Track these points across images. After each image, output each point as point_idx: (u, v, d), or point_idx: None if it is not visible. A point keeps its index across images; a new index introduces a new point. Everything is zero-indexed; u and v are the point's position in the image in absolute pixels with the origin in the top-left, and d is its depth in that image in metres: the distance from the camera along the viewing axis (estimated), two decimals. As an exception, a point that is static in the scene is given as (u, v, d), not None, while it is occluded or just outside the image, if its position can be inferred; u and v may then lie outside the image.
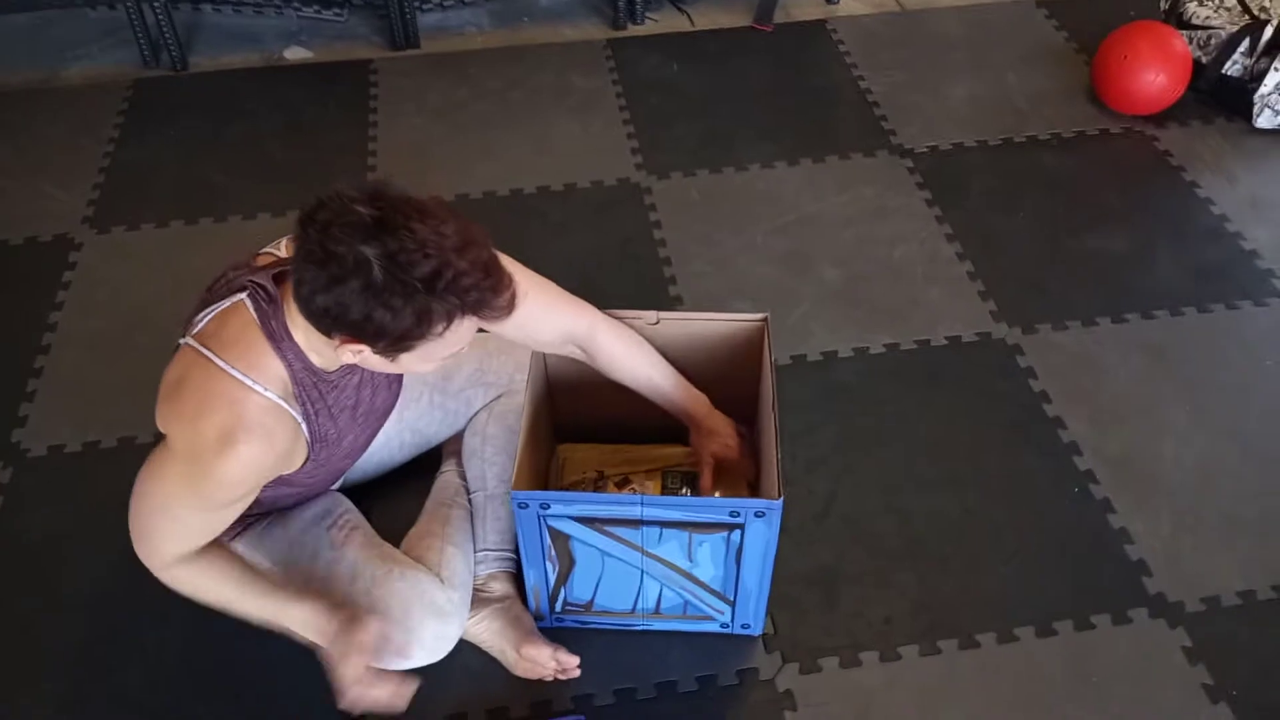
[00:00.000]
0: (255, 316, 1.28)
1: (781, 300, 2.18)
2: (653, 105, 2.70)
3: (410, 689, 1.43)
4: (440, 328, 1.17)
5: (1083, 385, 2.01)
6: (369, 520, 1.63)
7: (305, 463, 1.40)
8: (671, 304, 2.17)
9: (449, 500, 1.69)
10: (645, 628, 1.61)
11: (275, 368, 1.28)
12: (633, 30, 2.99)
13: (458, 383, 1.72)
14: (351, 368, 1.37)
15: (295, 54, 2.91)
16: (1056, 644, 1.63)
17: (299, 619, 1.41)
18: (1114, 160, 2.53)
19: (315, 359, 1.31)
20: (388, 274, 1.11)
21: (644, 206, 2.41)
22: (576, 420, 1.74)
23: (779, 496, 1.37)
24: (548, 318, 1.51)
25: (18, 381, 2.02)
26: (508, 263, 1.31)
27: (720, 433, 1.60)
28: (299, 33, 2.97)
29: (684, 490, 1.61)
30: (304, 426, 1.35)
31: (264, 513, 1.56)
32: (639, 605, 1.56)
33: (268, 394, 1.27)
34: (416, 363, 1.25)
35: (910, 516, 1.80)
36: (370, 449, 1.64)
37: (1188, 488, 1.84)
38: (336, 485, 1.68)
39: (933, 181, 2.46)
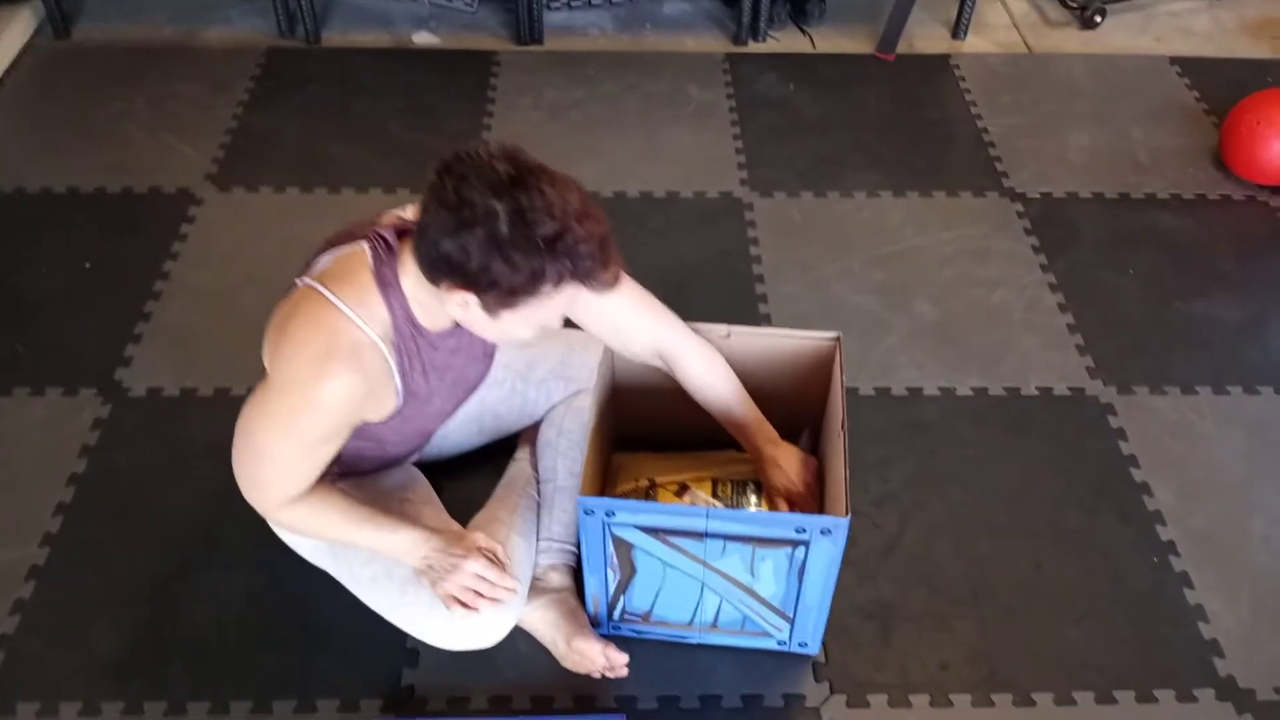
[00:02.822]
0: (370, 261, 1.33)
1: (872, 331, 2.16)
2: (765, 122, 2.71)
3: (511, 613, 1.52)
4: (549, 288, 1.22)
5: (1175, 453, 1.95)
6: (440, 498, 1.67)
7: (393, 415, 1.44)
8: (759, 322, 2.17)
9: (519, 488, 1.72)
10: (701, 641, 1.61)
11: (379, 309, 1.33)
12: (753, 47, 3.00)
13: (540, 373, 1.75)
14: (451, 333, 1.42)
15: (423, 39, 2.98)
16: (1115, 713, 1.58)
17: (404, 546, 1.47)
18: (1234, 227, 2.45)
19: (419, 312, 1.36)
20: (513, 228, 1.17)
21: (744, 222, 2.41)
22: (635, 427, 1.75)
23: (846, 514, 1.36)
24: (643, 324, 1.56)
25: (127, 324, 2.11)
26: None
27: (786, 468, 1.57)
28: (429, 19, 3.05)
29: (743, 497, 1.59)
30: (396, 373, 1.38)
31: (340, 474, 1.60)
32: (697, 618, 1.56)
33: (367, 329, 1.32)
34: (516, 324, 1.29)
35: (979, 563, 1.77)
36: (449, 427, 1.68)
37: (1273, 572, 1.77)
38: (414, 458, 1.72)
39: (1042, 228, 2.41)
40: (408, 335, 1.37)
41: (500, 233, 1.18)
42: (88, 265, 2.25)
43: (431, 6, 3.07)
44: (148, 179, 2.45)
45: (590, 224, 1.22)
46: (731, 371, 1.61)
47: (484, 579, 1.47)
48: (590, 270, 1.23)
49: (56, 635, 1.64)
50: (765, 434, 1.59)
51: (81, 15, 3.01)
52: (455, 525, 1.61)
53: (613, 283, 1.28)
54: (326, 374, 1.30)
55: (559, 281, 1.22)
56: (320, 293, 1.32)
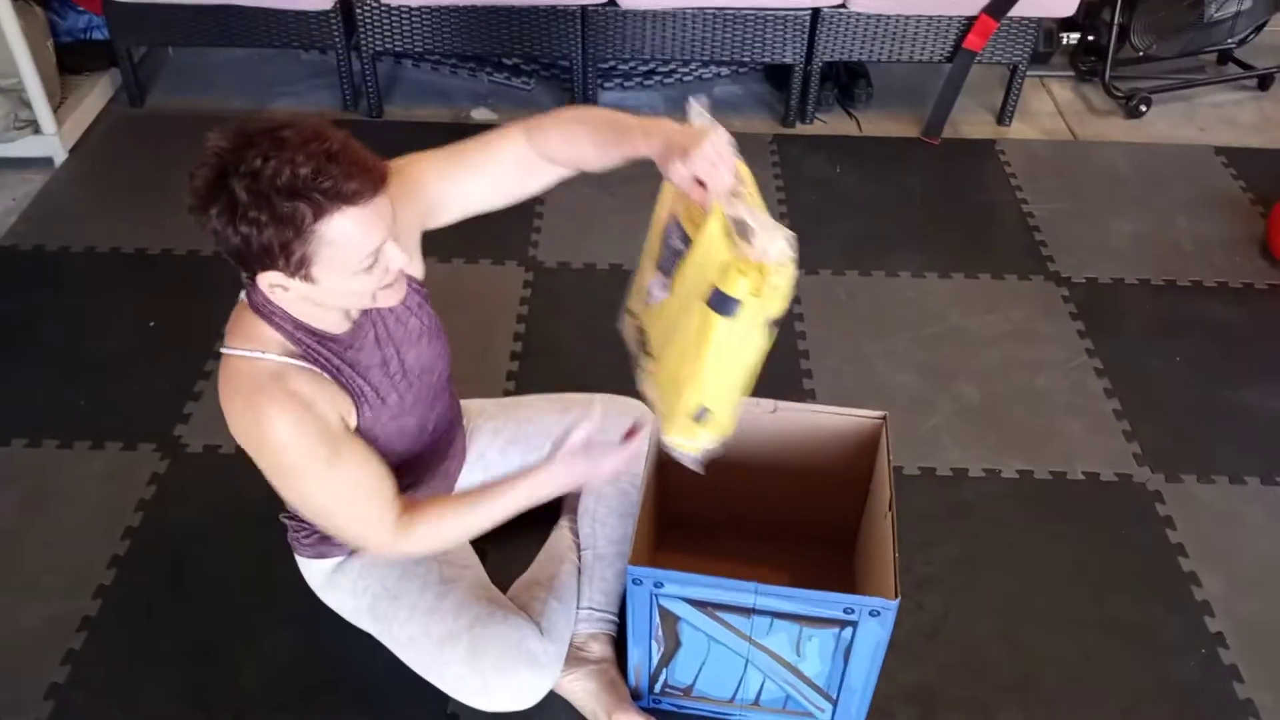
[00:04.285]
0: (246, 300, 1.38)
1: (916, 410, 2.17)
2: (811, 202, 2.76)
3: (548, 674, 1.54)
4: (314, 225, 1.18)
5: (1223, 543, 1.93)
6: (483, 562, 1.69)
7: (367, 418, 1.43)
8: (804, 398, 2.19)
9: (560, 555, 1.74)
10: (742, 718, 1.60)
11: (268, 334, 1.35)
12: (800, 129, 3.07)
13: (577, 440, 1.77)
14: (361, 324, 1.42)
15: (482, 115, 3.09)
16: (1166, 810, 1.55)
17: (533, 491, 1.47)
18: (1282, 317, 2.45)
19: (311, 320, 1.36)
20: (246, 191, 1.16)
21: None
22: (683, 506, 1.76)
23: (895, 597, 1.36)
24: (487, 157, 1.48)
25: (188, 382, 2.18)
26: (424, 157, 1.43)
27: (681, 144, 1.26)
28: (487, 96, 3.15)
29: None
30: (329, 378, 1.38)
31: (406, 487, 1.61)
32: (739, 695, 1.56)
33: (266, 356, 1.34)
34: (339, 277, 1.25)
35: (1024, 650, 1.75)
36: None
37: (1329, 670, 1.74)
38: (454, 468, 1.72)
39: (1087, 313, 2.42)
40: (311, 344, 1.37)
41: (238, 200, 1.16)
42: (152, 324, 2.32)
43: (490, 84, 3.18)
44: (212, 244, 2.53)
45: (310, 146, 1.18)
46: (586, 121, 1.42)
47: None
48: (333, 188, 1.18)
49: (106, 687, 1.67)
50: (653, 140, 1.30)
51: (156, 85, 3.15)
52: (493, 590, 1.62)
53: (370, 189, 1.21)
54: (264, 416, 1.31)
55: (316, 214, 1.18)
56: (224, 355, 1.36)
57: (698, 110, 1.28)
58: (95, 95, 3.01)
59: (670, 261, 1.34)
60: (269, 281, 1.25)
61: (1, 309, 2.37)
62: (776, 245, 1.18)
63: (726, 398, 1.32)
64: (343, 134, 1.23)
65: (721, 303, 1.19)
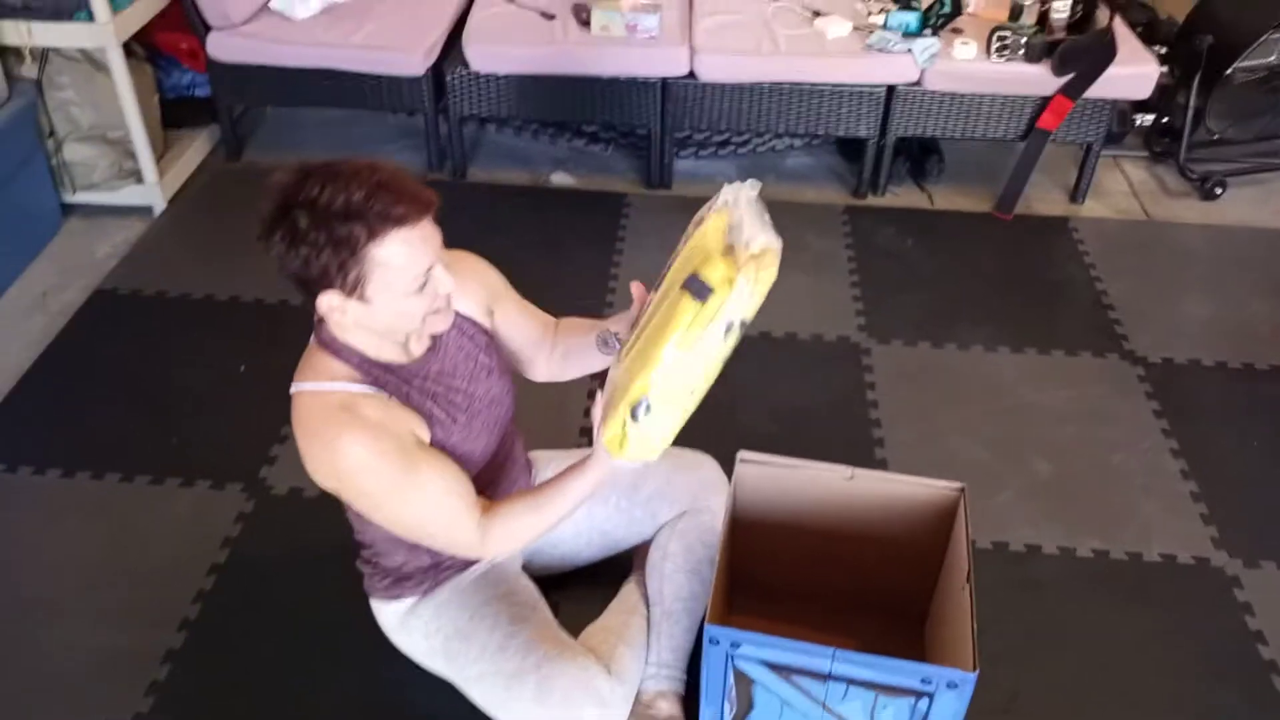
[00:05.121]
0: (314, 340, 1.46)
1: (988, 484, 2.17)
2: (882, 272, 2.79)
3: (615, 713, 1.56)
4: (367, 246, 1.28)
5: (1305, 633, 1.90)
6: (555, 614, 1.71)
7: (433, 436, 1.49)
8: (876, 467, 2.19)
9: (630, 608, 1.75)
10: (808, 784, 1.59)
11: (335, 366, 1.42)
12: (872, 200, 3.11)
13: (644, 493, 1.80)
14: (427, 360, 1.49)
15: (560, 179, 3.18)
16: None
17: (593, 479, 1.48)
18: (1364, 405, 2.42)
19: (375, 352, 1.44)
20: (307, 216, 1.27)
21: (861, 367, 2.47)
22: (756, 567, 1.77)
23: (974, 669, 1.36)
24: (525, 315, 1.68)
25: (275, 425, 2.25)
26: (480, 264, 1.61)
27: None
28: (566, 160, 3.25)
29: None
30: (396, 402, 1.44)
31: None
32: (808, 760, 1.55)
33: (334, 386, 1.40)
34: (392, 299, 1.34)
35: (1098, 732, 1.73)
36: (558, 537, 1.74)
37: None
38: (522, 562, 1.77)
39: (1163, 394, 2.41)
40: (379, 373, 1.44)
41: (299, 226, 1.27)
42: (242, 369, 2.41)
43: (569, 149, 3.28)
44: (277, 270, 2.63)
45: (364, 175, 1.29)
46: (567, 334, 1.70)
47: None
48: (384, 211, 1.28)
49: (187, 718, 1.71)
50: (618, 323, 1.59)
51: (252, 141, 3.30)
52: (561, 632, 1.64)
53: (417, 213, 1.31)
54: (338, 445, 1.37)
55: (370, 235, 1.28)
56: (295, 392, 1.42)
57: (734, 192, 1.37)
58: (195, 149, 3.16)
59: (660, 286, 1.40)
60: (328, 304, 1.34)
61: (100, 350, 2.48)
62: (760, 240, 1.26)
63: (672, 399, 1.33)
64: (393, 165, 1.35)
65: (696, 287, 1.26)
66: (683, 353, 1.30)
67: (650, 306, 1.39)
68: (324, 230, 1.27)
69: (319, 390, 1.41)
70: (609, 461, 1.44)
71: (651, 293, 1.44)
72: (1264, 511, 2.13)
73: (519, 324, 1.68)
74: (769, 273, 1.29)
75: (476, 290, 1.61)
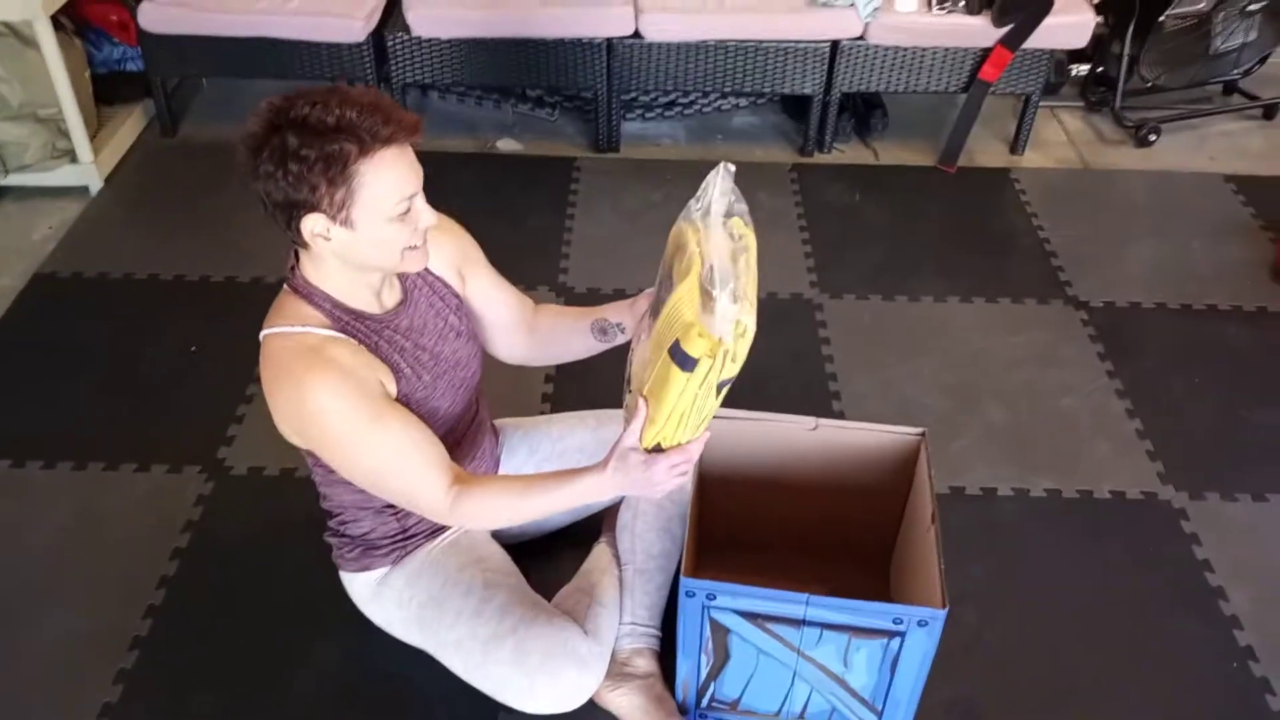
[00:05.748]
0: (286, 288, 1.46)
1: (944, 431, 2.21)
2: (832, 229, 2.82)
3: (593, 674, 1.57)
4: (356, 164, 1.30)
5: (1249, 558, 1.97)
6: (527, 579, 1.72)
7: (399, 389, 1.48)
8: (834, 419, 2.22)
9: (603, 568, 1.76)
10: (785, 730, 1.63)
11: (306, 310, 1.43)
12: (819, 158, 3.13)
13: (571, 442, 1.82)
14: (396, 313, 1.50)
15: (507, 145, 3.15)
16: (1204, 820, 1.58)
17: (585, 492, 1.45)
18: (1297, 339, 2.51)
19: (347, 298, 1.45)
20: (296, 136, 1.29)
21: (815, 323, 2.50)
22: (722, 522, 1.80)
23: (943, 606, 1.40)
24: (501, 290, 1.70)
25: (230, 404, 2.22)
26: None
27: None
28: (512, 126, 3.22)
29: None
30: (366, 349, 1.44)
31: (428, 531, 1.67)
32: (785, 709, 1.59)
33: (305, 329, 1.41)
34: (374, 222, 1.35)
35: (1059, 664, 1.79)
36: None
37: (1357, 682, 1.77)
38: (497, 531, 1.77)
39: (1107, 337, 2.47)
40: (349, 321, 1.45)
41: (288, 144, 1.29)
42: (194, 349, 2.37)
43: (515, 114, 3.25)
44: (250, 269, 2.59)
45: (353, 97, 1.32)
46: (550, 318, 1.75)
47: (679, 464, 1.42)
48: (375, 128, 1.30)
49: (157, 705, 1.70)
50: (620, 312, 1.66)
51: (188, 115, 3.22)
52: (535, 596, 1.65)
53: (405, 132, 1.34)
54: (304, 385, 1.37)
55: (360, 151, 1.30)
56: (265, 336, 1.43)
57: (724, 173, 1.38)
58: (129, 126, 3.07)
59: (659, 303, 1.40)
60: (311, 228, 1.34)
61: (43, 335, 2.42)
62: (726, 328, 1.26)
63: (685, 436, 1.37)
64: (377, 91, 1.38)
65: (680, 358, 1.27)
66: (680, 414, 1.33)
67: (656, 311, 1.41)
68: (314, 146, 1.28)
69: (290, 332, 1.41)
70: (610, 482, 1.43)
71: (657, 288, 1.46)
72: (1206, 446, 2.21)
73: (494, 298, 1.68)
74: (743, 344, 1.31)
75: (449, 249, 1.61)
